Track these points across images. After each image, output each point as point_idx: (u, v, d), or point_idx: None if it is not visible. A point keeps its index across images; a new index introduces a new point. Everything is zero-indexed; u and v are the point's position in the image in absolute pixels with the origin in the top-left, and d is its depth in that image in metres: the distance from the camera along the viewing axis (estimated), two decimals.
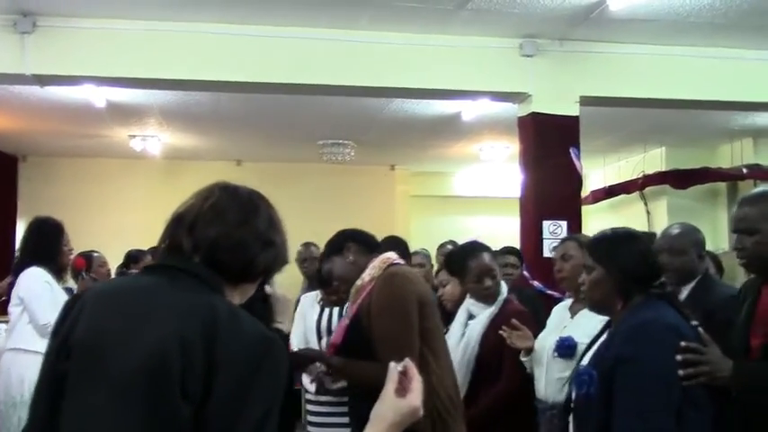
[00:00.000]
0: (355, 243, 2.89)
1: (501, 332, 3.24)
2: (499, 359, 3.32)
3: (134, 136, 8.46)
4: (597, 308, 2.44)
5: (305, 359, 2.91)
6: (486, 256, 3.45)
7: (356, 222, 8.39)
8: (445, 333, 3.57)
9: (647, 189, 9.37)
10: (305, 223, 8.77)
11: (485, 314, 3.40)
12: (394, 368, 1.48)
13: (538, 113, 5.56)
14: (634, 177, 9.50)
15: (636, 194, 9.60)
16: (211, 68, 5.36)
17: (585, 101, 5.62)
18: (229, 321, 1.37)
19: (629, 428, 2.12)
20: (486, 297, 3.42)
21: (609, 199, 10.14)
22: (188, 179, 9.95)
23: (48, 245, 4.22)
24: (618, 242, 2.40)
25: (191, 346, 1.32)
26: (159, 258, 1.54)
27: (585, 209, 10.79)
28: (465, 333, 3.43)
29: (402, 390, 1.45)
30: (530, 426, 3.26)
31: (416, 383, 1.46)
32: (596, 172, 10.79)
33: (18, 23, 4.97)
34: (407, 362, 1.51)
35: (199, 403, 1.30)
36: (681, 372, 2.14)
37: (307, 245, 5.35)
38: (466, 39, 5.51)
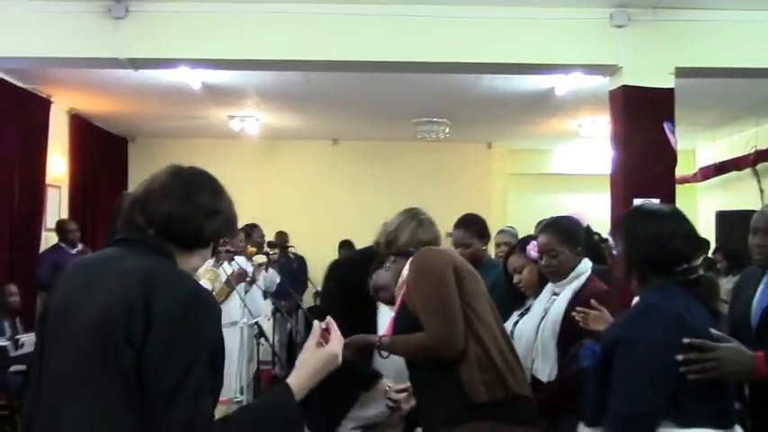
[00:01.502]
0: (393, 255, 2.97)
1: (574, 314, 3.12)
2: (576, 337, 3.21)
3: (233, 116, 8.71)
4: (623, 283, 2.44)
5: (354, 345, 2.92)
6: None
7: (452, 201, 8.45)
8: (524, 314, 3.52)
9: (759, 165, 8.84)
10: (400, 202, 8.80)
11: (567, 290, 3.29)
12: (317, 325, 1.77)
13: (629, 86, 5.31)
14: (746, 153, 8.99)
15: (748, 171, 9.07)
16: (304, 48, 5.40)
17: (681, 72, 5.32)
18: (165, 282, 1.59)
19: (616, 409, 2.14)
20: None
21: (719, 176, 9.65)
22: (286, 158, 10.26)
23: None
24: (634, 221, 2.33)
25: (133, 304, 1.55)
26: (120, 233, 1.77)
27: (694, 187, 10.36)
28: (548, 309, 3.33)
29: (322, 342, 1.75)
30: None
31: (334, 336, 1.78)
32: (705, 147, 10.29)
33: (112, 9, 5.16)
34: (329, 320, 1.80)
35: (140, 351, 1.52)
36: (681, 369, 2.08)
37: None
38: (555, 10, 5.33)
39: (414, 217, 3.33)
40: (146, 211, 1.72)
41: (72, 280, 1.73)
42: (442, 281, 2.64)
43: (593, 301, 3.08)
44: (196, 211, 1.73)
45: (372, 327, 3.12)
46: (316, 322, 1.79)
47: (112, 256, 1.72)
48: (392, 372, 3.20)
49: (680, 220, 2.32)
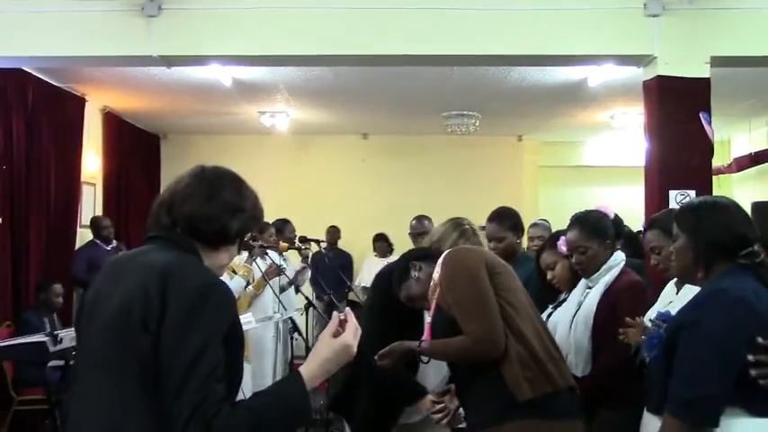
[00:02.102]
0: (418, 260, 2.97)
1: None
2: (607, 331, 3.17)
3: (263, 112, 8.74)
4: (681, 276, 2.47)
5: (396, 353, 2.91)
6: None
7: (483, 194, 8.39)
8: (557, 306, 3.50)
9: None
10: (431, 196, 8.87)
11: (601, 283, 3.26)
12: (335, 316, 1.80)
13: (663, 77, 5.23)
14: None
15: None
16: (333, 43, 5.41)
17: (716, 61, 5.23)
18: (180, 273, 1.66)
19: (677, 393, 2.14)
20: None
21: (755, 167, 9.49)
22: (316, 153, 10.28)
23: None
24: (699, 210, 2.34)
25: (149, 293, 1.64)
26: (148, 231, 1.87)
27: (729, 177, 10.20)
28: (581, 303, 3.30)
29: (338, 333, 1.77)
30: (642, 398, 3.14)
31: (350, 326, 1.77)
32: (741, 138, 10.13)
33: (145, 8, 5.21)
34: (347, 310, 1.82)
35: (155, 335, 1.61)
36: (752, 372, 2.05)
37: (419, 218, 5.30)
38: (588, 0, 5.27)
39: (457, 227, 3.34)
40: (171, 212, 1.80)
41: (104, 276, 1.83)
42: (475, 279, 2.63)
43: (627, 319, 3.02)
44: (219, 209, 1.80)
45: (421, 334, 3.10)
46: (334, 313, 1.82)
47: (140, 251, 1.81)
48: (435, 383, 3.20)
49: (738, 207, 2.36)
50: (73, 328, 5.57)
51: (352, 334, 1.77)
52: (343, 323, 1.79)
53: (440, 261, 2.82)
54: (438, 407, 3.05)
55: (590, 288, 3.30)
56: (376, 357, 2.92)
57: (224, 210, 1.80)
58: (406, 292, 2.97)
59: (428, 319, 2.89)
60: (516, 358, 2.54)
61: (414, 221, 5.19)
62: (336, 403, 3.59)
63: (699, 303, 2.20)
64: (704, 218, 2.30)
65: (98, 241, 7.38)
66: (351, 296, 8.30)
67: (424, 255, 3.02)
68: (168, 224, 1.80)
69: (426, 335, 2.87)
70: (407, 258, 3.04)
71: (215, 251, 1.84)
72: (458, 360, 2.75)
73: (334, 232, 9.34)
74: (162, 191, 1.89)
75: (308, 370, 1.72)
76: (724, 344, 2.09)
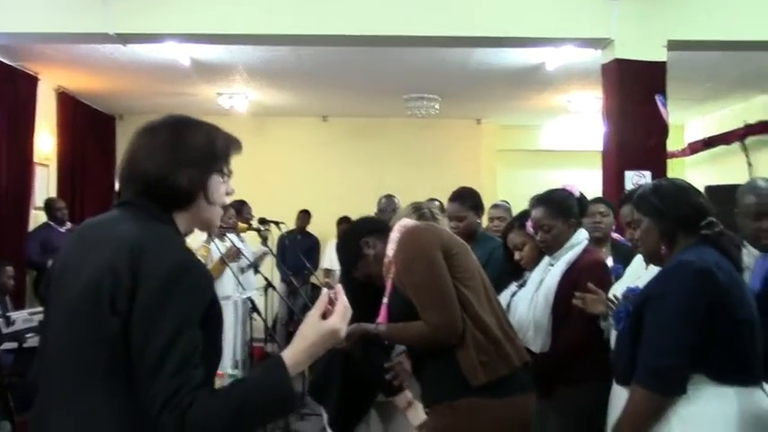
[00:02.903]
0: (366, 236, 2.85)
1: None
2: (567, 308, 3.21)
3: (222, 94, 8.64)
4: (650, 258, 2.50)
5: (353, 336, 2.83)
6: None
7: (442, 177, 8.41)
8: (522, 285, 3.53)
9: (748, 139, 8.88)
10: (391, 178, 8.87)
11: (562, 261, 3.30)
12: (325, 294, 1.63)
13: (622, 60, 5.31)
14: (735, 128, 9.01)
15: (736, 145, 9.11)
16: (293, 22, 5.37)
17: (673, 45, 5.33)
18: (151, 248, 1.53)
19: (646, 362, 2.21)
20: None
21: (707, 150, 9.68)
22: (276, 135, 10.21)
23: None
24: (656, 190, 2.43)
25: (118, 272, 1.51)
26: (116, 198, 1.75)
27: (683, 161, 10.39)
28: (543, 280, 3.33)
29: (327, 312, 1.62)
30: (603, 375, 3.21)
31: (340, 307, 1.62)
32: (695, 122, 10.32)
33: None
34: (338, 288, 1.65)
35: (126, 318, 1.49)
36: None
37: (389, 197, 5.29)
38: None
39: (415, 210, 3.34)
40: (130, 182, 1.67)
41: (73, 243, 1.71)
42: (431, 264, 2.61)
43: (590, 285, 3.08)
44: (160, 168, 1.63)
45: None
46: (324, 290, 1.66)
47: (110, 219, 1.67)
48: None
49: (690, 184, 2.47)
50: (26, 311, 5.49)
51: (341, 316, 1.61)
52: (332, 302, 1.63)
53: (393, 237, 2.77)
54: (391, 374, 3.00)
55: (552, 265, 3.35)
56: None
57: (165, 167, 1.63)
58: (362, 271, 2.89)
59: (384, 299, 2.81)
60: (472, 343, 2.56)
61: (383, 200, 5.16)
62: (313, 389, 3.56)
63: (664, 276, 2.27)
64: (664, 196, 2.38)
65: (52, 223, 7.24)
66: (312, 279, 8.30)
67: (371, 229, 2.90)
68: (133, 191, 1.66)
69: (382, 317, 2.81)
70: (356, 236, 2.90)
71: (183, 212, 1.67)
72: (415, 345, 2.75)
73: (304, 217, 9.33)
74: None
75: (291, 354, 1.56)
76: (689, 314, 2.17)
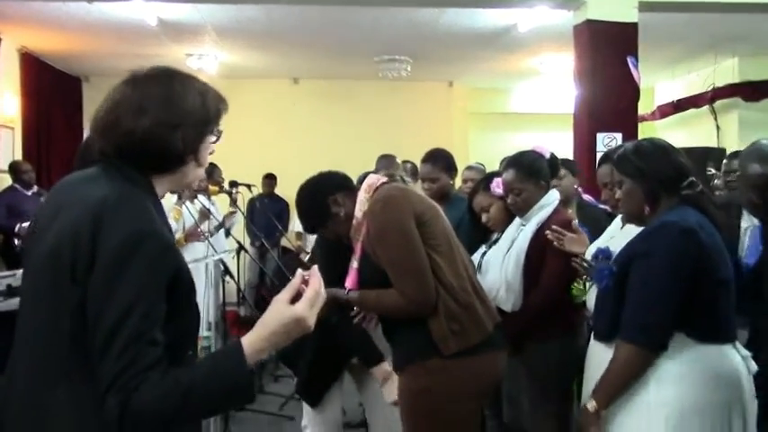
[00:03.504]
0: (335, 193, 2.71)
1: (547, 233, 3.11)
2: (541, 268, 3.25)
3: (190, 54, 8.50)
4: (633, 219, 2.51)
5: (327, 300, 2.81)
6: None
7: (414, 140, 8.38)
8: (492, 245, 3.54)
9: (717, 102, 8.97)
10: (362, 141, 8.83)
11: (533, 221, 3.31)
12: (298, 275, 1.50)
13: (593, 21, 5.31)
14: (704, 91, 9.08)
15: (705, 109, 9.19)
16: None
17: (644, 6, 5.33)
18: (112, 215, 1.43)
19: (629, 319, 2.26)
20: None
21: (677, 114, 9.76)
22: (246, 97, 10.08)
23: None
24: (637, 150, 2.43)
25: (79, 237, 1.42)
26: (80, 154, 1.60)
27: (652, 124, 10.47)
28: (515, 240, 3.35)
29: (298, 295, 1.48)
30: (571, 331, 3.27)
31: (310, 293, 1.48)
32: (664, 85, 10.38)
33: None
34: (313, 269, 1.52)
35: (83, 287, 1.40)
36: None
37: (386, 157, 5.08)
38: None
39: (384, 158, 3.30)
40: (105, 137, 1.53)
41: (45, 204, 1.62)
42: (406, 235, 2.54)
43: (574, 223, 3.10)
44: (152, 128, 1.51)
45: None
46: (298, 271, 1.52)
47: (84, 178, 1.57)
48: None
49: (669, 144, 2.48)
50: None
51: (310, 303, 1.47)
52: (306, 282, 1.50)
53: (361, 196, 2.69)
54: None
55: (524, 226, 3.36)
56: None
57: (158, 126, 1.50)
58: (331, 231, 2.78)
59: (354, 263, 2.73)
60: (444, 311, 2.55)
61: (383, 160, 4.94)
62: (284, 353, 3.50)
63: (648, 235, 2.30)
64: (646, 157, 2.39)
65: (18, 186, 7.11)
66: (283, 242, 8.28)
67: (335, 186, 2.75)
68: (101, 149, 1.53)
69: (351, 282, 2.73)
70: (323, 193, 2.73)
71: (168, 175, 1.58)
72: (388, 315, 2.71)
73: (270, 182, 9.22)
74: (98, 106, 1.58)
75: (250, 341, 1.44)
76: (674, 272, 2.21)
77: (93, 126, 1.57)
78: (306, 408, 3.40)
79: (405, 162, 5.38)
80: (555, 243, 3.07)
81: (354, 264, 2.72)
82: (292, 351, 3.38)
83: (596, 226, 3.45)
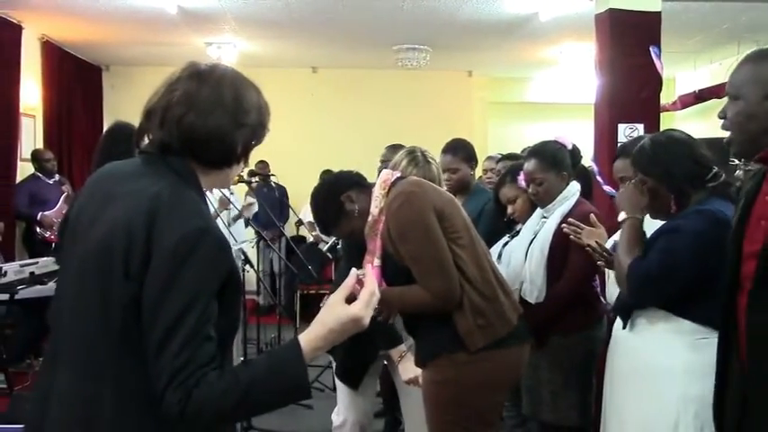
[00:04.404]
0: (348, 191, 2.70)
1: (564, 227, 3.10)
2: (565, 260, 3.23)
3: (210, 44, 8.51)
4: (654, 215, 2.49)
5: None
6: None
7: (433, 130, 8.36)
8: (514, 236, 3.54)
9: None
10: (380, 131, 8.80)
11: (557, 213, 3.30)
12: (353, 274, 1.53)
13: (616, 9, 5.25)
14: (725, 81, 8.96)
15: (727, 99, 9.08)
16: None
17: None
18: (168, 212, 1.44)
19: (645, 268, 2.27)
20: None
21: (698, 104, 9.65)
22: (265, 86, 9.89)
23: (121, 149, 4.31)
24: (658, 150, 2.39)
25: (134, 233, 1.43)
26: (143, 147, 1.62)
27: (673, 115, 10.37)
28: (537, 233, 3.34)
29: (354, 294, 1.52)
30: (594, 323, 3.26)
31: (366, 294, 1.51)
32: (685, 75, 10.27)
33: None
34: (367, 269, 1.57)
35: (139, 285, 1.41)
36: None
37: (394, 147, 5.05)
38: None
39: (408, 154, 3.29)
40: (164, 128, 1.54)
41: (89, 193, 1.61)
42: (428, 231, 2.53)
43: (592, 217, 3.08)
44: (220, 125, 1.54)
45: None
46: (353, 270, 1.56)
47: (131, 171, 1.58)
48: None
49: (687, 135, 2.46)
50: (17, 263, 5.47)
51: (366, 303, 1.50)
52: (361, 283, 1.53)
53: (377, 193, 2.66)
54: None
55: (545, 218, 3.35)
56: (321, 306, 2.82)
57: (226, 125, 1.55)
58: (345, 229, 2.75)
59: (376, 261, 2.69)
60: (469, 306, 2.54)
61: (385, 150, 4.90)
62: None
63: (681, 217, 2.29)
64: (665, 154, 2.35)
65: (40, 174, 7.17)
66: (302, 232, 8.29)
67: (348, 183, 2.73)
68: (162, 142, 1.55)
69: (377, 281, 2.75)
70: (335, 192, 2.72)
71: (217, 171, 1.61)
72: (413, 311, 2.70)
73: (263, 166, 9.05)
74: (153, 95, 1.58)
75: (308, 340, 1.47)
76: (696, 252, 2.19)
77: (149, 116, 1.57)
78: (340, 395, 3.41)
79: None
80: (572, 237, 3.07)
81: (377, 262, 2.69)
82: None
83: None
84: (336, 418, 3.41)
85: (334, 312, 1.50)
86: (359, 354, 3.29)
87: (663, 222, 2.53)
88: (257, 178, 6.48)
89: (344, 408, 3.38)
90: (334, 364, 3.49)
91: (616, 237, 3.09)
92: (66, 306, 1.54)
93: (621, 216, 2.45)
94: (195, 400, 1.35)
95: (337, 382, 3.43)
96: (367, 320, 1.51)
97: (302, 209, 9.04)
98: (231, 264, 1.49)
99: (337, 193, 2.70)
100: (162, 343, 1.37)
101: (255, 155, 1.57)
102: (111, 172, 1.64)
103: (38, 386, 1.59)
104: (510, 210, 3.57)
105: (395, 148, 4.80)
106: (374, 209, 2.65)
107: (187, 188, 1.52)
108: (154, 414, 1.39)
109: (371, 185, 2.73)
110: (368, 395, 3.42)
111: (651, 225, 2.92)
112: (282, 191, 9.00)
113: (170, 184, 1.50)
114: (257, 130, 1.63)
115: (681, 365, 2.24)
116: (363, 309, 1.50)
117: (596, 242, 2.85)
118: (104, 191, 1.56)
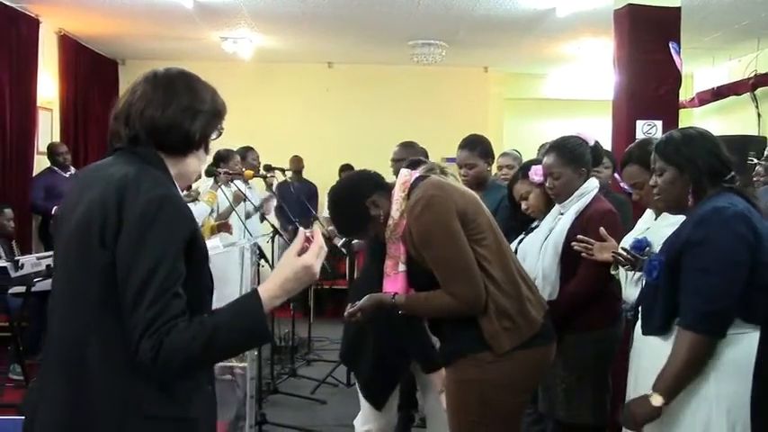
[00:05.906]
0: (371, 194, 2.63)
1: (573, 244, 3.09)
2: (576, 257, 3.20)
3: (225, 38, 8.51)
4: (672, 208, 2.49)
5: (368, 309, 2.72)
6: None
7: (448, 126, 8.32)
8: (529, 232, 3.51)
9: (758, 90, 8.76)
10: (396, 126, 8.78)
11: (572, 209, 3.28)
12: (302, 233, 1.74)
13: (635, 5, 5.20)
14: (745, 78, 8.88)
15: (746, 96, 9.00)
16: None
17: None
18: (136, 186, 1.63)
19: (692, 307, 2.22)
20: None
21: (717, 101, 9.57)
22: (280, 81, 10.10)
23: None
24: (687, 141, 2.39)
25: (107, 208, 1.62)
26: (110, 145, 1.82)
27: (691, 112, 10.29)
28: (552, 229, 3.31)
29: (303, 251, 1.71)
30: (611, 322, 3.24)
31: (315, 246, 1.71)
32: (704, 72, 10.18)
33: None
34: (315, 228, 1.66)
35: (113, 250, 1.60)
36: None
37: (405, 145, 5.03)
38: None
39: (428, 171, 3.19)
40: (129, 125, 1.75)
41: (72, 189, 1.82)
42: (452, 235, 2.49)
43: (602, 230, 3.06)
44: (177, 115, 1.74)
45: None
46: (301, 229, 1.78)
47: (104, 163, 1.78)
48: None
49: (712, 135, 2.45)
50: (33, 255, 5.50)
51: (315, 254, 1.70)
52: (309, 240, 1.73)
53: (397, 196, 2.63)
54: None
55: (562, 214, 3.33)
56: (345, 315, 2.76)
57: (182, 114, 1.74)
58: (372, 233, 2.69)
59: (401, 266, 2.65)
60: (494, 309, 2.51)
61: (397, 148, 4.82)
62: (346, 355, 3.50)
63: (702, 222, 2.25)
64: (694, 148, 2.36)
65: (56, 168, 7.21)
66: (316, 226, 8.28)
67: (371, 187, 2.66)
68: (129, 136, 1.75)
69: (395, 285, 2.65)
70: (359, 197, 2.64)
71: (182, 158, 1.79)
72: (438, 316, 2.67)
73: (297, 162, 9.21)
74: (118, 102, 1.80)
75: (266, 289, 1.66)
76: (733, 258, 2.19)
77: (116, 115, 1.78)
78: (364, 404, 3.38)
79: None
80: (584, 254, 3.05)
81: (401, 267, 2.64)
82: (351, 351, 3.39)
83: (620, 209, 3.45)
84: (360, 427, 3.40)
85: (288, 263, 1.69)
86: (385, 375, 3.27)
87: (676, 217, 2.52)
88: (272, 173, 6.45)
89: (367, 418, 3.37)
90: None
91: (634, 234, 3.07)
92: (57, 288, 1.74)
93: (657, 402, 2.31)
94: (166, 347, 1.51)
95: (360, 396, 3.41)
96: (317, 269, 1.70)
97: (323, 205, 9.10)
98: (194, 225, 1.67)
99: (362, 197, 2.63)
100: (135, 299, 1.54)
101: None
102: (89, 168, 1.87)
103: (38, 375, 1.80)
104: (524, 205, 3.55)
105: (406, 147, 4.76)
106: (395, 212, 2.60)
107: (153, 170, 1.71)
108: (136, 368, 1.56)
109: (392, 186, 2.69)
110: (391, 406, 3.41)
111: (659, 223, 2.91)
112: (312, 187, 9.11)
113: (137, 168, 1.69)
114: (211, 120, 1.79)
115: (713, 361, 2.21)
116: (313, 258, 1.69)
117: (613, 252, 2.89)
118: (83, 181, 1.78)
